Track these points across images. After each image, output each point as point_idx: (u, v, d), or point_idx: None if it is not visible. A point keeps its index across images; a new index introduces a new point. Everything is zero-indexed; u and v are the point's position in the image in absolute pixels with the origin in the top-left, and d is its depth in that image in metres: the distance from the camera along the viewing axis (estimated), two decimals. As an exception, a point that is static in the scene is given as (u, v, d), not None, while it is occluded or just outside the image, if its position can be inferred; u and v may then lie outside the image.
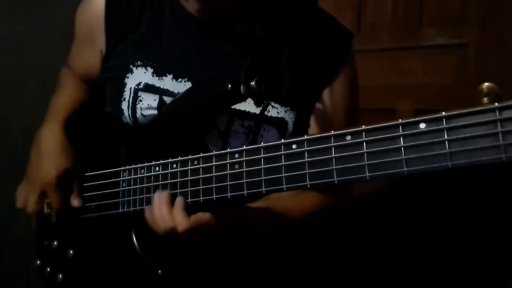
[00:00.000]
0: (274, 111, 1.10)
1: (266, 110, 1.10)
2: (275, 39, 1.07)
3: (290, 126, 1.11)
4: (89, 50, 1.22)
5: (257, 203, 1.05)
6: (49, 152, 1.14)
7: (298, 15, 1.12)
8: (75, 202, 1.14)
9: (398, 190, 1.77)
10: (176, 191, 0.96)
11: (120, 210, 1.08)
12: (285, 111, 1.11)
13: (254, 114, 1.10)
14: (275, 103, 1.10)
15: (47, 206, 1.16)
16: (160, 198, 0.95)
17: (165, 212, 0.93)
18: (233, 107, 1.08)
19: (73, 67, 1.30)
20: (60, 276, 1.19)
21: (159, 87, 1.11)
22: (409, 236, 1.74)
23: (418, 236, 1.72)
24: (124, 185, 1.08)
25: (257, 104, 1.09)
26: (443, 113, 0.62)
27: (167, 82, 1.11)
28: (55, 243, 1.22)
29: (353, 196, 1.23)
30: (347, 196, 1.20)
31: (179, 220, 0.91)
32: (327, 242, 1.68)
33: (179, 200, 0.94)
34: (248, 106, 1.09)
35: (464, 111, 0.62)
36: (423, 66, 1.79)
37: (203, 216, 0.91)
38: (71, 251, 1.18)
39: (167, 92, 1.11)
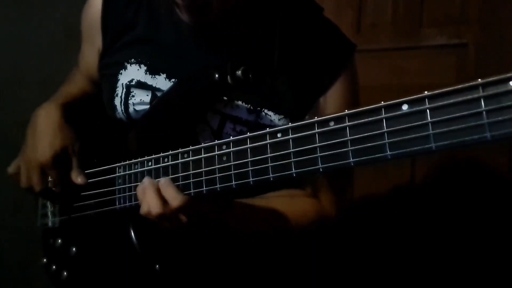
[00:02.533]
0: (268, 118, 1.09)
1: (259, 118, 1.09)
2: (266, 37, 1.08)
3: None
4: (90, 49, 1.24)
5: (247, 201, 1.05)
6: (45, 130, 1.13)
7: (297, 20, 1.12)
8: (79, 179, 1.13)
9: (398, 193, 1.77)
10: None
11: (117, 206, 1.08)
12: (279, 119, 1.10)
13: (247, 120, 1.09)
14: (268, 110, 1.09)
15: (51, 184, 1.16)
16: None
17: (151, 192, 0.92)
18: (225, 112, 1.08)
19: (80, 67, 1.32)
20: (65, 273, 1.19)
21: (151, 85, 1.11)
22: (409, 238, 1.73)
23: (418, 237, 1.72)
24: (119, 181, 1.08)
25: (250, 111, 1.09)
26: (426, 92, 0.62)
27: (160, 81, 1.11)
28: (59, 241, 1.22)
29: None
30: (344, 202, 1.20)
31: (172, 195, 0.90)
32: (327, 243, 1.68)
33: (163, 179, 0.93)
34: (241, 112, 1.09)
35: (447, 89, 0.60)
36: (423, 66, 1.78)
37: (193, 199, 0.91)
38: (74, 249, 1.19)
39: (159, 90, 1.11)
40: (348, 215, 1.67)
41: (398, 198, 1.78)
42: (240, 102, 1.08)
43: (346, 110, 0.70)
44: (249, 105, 1.09)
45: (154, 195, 0.91)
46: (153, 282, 1.04)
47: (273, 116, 1.09)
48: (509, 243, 1.57)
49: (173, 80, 1.10)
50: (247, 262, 1.15)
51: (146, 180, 0.94)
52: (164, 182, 0.92)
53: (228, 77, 0.96)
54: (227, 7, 1.05)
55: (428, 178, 1.69)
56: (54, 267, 1.22)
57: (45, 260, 1.25)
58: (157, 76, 1.11)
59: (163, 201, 0.90)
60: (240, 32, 1.10)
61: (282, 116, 1.10)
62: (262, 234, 1.11)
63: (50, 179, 1.15)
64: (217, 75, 0.96)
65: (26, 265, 1.90)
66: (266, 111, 1.09)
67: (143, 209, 0.92)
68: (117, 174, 1.08)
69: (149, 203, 0.91)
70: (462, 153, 1.63)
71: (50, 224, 1.25)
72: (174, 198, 0.89)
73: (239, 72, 0.95)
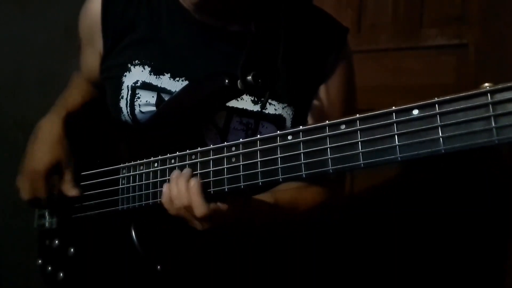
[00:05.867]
0: (272, 108, 1.11)
1: (264, 107, 1.10)
2: (270, 35, 1.08)
3: (288, 123, 1.12)
4: (90, 53, 1.23)
5: (261, 196, 1.05)
6: (44, 142, 1.16)
7: (294, 11, 1.13)
8: (72, 191, 1.16)
9: (397, 190, 1.77)
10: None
11: (120, 207, 1.08)
12: (283, 108, 1.11)
13: (252, 111, 1.10)
14: (272, 100, 1.11)
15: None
16: (178, 174, 0.94)
17: (182, 188, 0.91)
18: (231, 105, 1.08)
19: (81, 70, 1.32)
20: (61, 274, 1.19)
21: (156, 86, 1.12)
22: (408, 236, 1.74)
23: (418, 236, 1.72)
24: (123, 182, 1.08)
25: (255, 102, 1.10)
26: (436, 98, 0.63)
27: (165, 81, 1.11)
28: (56, 242, 1.23)
29: (350, 191, 1.24)
30: (344, 190, 1.21)
31: (197, 203, 0.89)
32: (327, 244, 1.69)
33: (195, 182, 0.91)
34: (246, 104, 1.10)
35: (456, 95, 0.62)
36: (423, 66, 1.78)
37: (221, 205, 0.90)
38: (72, 249, 1.19)
39: (164, 91, 1.11)
40: (347, 213, 1.68)
41: (397, 196, 1.78)
42: (244, 94, 1.09)
43: (357, 114, 0.70)
44: (253, 97, 1.10)
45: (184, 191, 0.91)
46: (155, 283, 1.05)
47: (277, 105, 1.11)
48: (509, 242, 1.59)
49: (177, 79, 1.11)
50: (248, 262, 1.16)
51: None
52: (193, 185, 0.91)
53: (239, 82, 0.97)
54: None
55: (427, 176, 1.69)
56: (49, 268, 1.22)
57: (40, 261, 1.25)
58: (161, 76, 1.11)
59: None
60: (241, 28, 1.11)
61: (285, 105, 1.11)
62: (280, 228, 1.14)
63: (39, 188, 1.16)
64: (227, 80, 0.97)
65: (25, 265, 1.90)
66: (269, 100, 1.10)
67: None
68: (121, 175, 1.09)
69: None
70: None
71: (47, 225, 1.26)
72: (197, 207, 0.89)
73: (249, 78, 0.96)
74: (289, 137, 0.80)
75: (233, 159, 0.88)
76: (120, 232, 1.08)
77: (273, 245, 1.19)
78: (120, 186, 1.09)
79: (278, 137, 0.82)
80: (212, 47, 1.12)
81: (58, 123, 1.18)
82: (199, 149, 0.94)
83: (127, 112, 1.14)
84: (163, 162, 1.00)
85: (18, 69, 1.99)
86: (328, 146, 0.75)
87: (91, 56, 1.23)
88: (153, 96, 1.11)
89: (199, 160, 0.93)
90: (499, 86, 0.58)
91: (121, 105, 1.14)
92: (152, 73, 1.12)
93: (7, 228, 2.01)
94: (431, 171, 1.63)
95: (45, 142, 1.16)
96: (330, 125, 0.75)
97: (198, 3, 1.08)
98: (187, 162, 0.95)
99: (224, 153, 0.89)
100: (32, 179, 1.15)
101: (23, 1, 1.98)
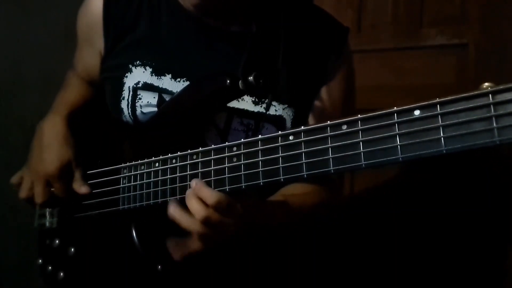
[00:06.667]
0: (272, 109, 1.11)
1: (268, 110, 1.10)
2: (271, 35, 1.08)
3: (289, 124, 1.12)
4: (89, 52, 1.22)
5: (272, 199, 1.05)
6: (51, 143, 1.15)
7: (294, 11, 1.14)
8: (83, 189, 1.15)
9: (397, 190, 1.77)
10: (175, 185, 0.96)
11: (121, 207, 1.08)
12: (283, 109, 1.11)
13: (253, 112, 1.10)
14: (273, 100, 1.11)
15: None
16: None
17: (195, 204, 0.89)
18: (232, 105, 1.08)
19: (77, 69, 1.31)
20: (61, 274, 1.19)
21: (157, 86, 1.11)
22: (409, 236, 1.74)
23: (418, 236, 1.72)
24: (124, 182, 1.08)
25: (255, 103, 1.10)
26: (437, 99, 0.63)
27: (166, 82, 1.11)
28: (56, 241, 1.22)
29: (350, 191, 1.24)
30: (343, 189, 1.21)
31: (206, 194, 0.87)
32: (327, 244, 1.69)
33: (197, 180, 0.91)
34: (247, 104, 1.10)
35: (458, 96, 0.62)
36: (423, 66, 1.78)
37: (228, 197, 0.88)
38: (72, 249, 1.18)
39: (166, 91, 1.11)
40: (347, 213, 1.68)
41: (397, 196, 1.78)
42: (245, 95, 1.09)
43: (359, 115, 0.71)
44: (254, 97, 1.10)
45: (195, 201, 0.89)
46: (155, 283, 1.05)
47: (278, 106, 1.11)
48: (509, 242, 1.59)
49: (178, 79, 1.11)
50: (248, 262, 1.16)
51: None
52: (196, 184, 0.90)
53: (240, 82, 0.97)
54: None
55: (427, 176, 1.69)
56: (50, 267, 1.22)
57: (40, 260, 1.25)
58: (162, 77, 1.11)
59: (202, 202, 0.88)
60: (242, 28, 1.12)
61: (286, 106, 1.12)
62: (290, 228, 1.14)
63: (53, 189, 1.16)
64: (228, 80, 0.97)
65: (25, 265, 1.90)
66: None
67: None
68: (122, 175, 1.09)
69: (193, 210, 0.89)
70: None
71: (47, 224, 1.25)
72: (210, 196, 0.87)
73: (251, 78, 0.96)
74: (291, 137, 0.80)
75: (235, 159, 0.88)
76: (121, 232, 1.08)
77: (274, 245, 1.19)
78: (121, 186, 1.09)
79: (280, 137, 0.82)
80: (213, 47, 1.12)
81: (62, 123, 1.17)
82: (200, 149, 0.94)
83: (128, 113, 1.14)
84: (164, 162, 1.00)
85: (18, 69, 1.98)
86: (330, 146, 0.75)
87: (90, 55, 1.22)
88: (154, 97, 1.11)
89: (200, 160, 0.93)
90: (501, 87, 0.59)
91: (122, 106, 1.14)
92: (153, 74, 1.12)
93: (7, 228, 2.00)
94: (431, 171, 1.63)
95: (52, 143, 1.15)
96: (331, 125, 0.75)
97: (198, 4, 1.08)
98: (188, 162, 0.95)
99: (225, 153, 0.90)
100: (44, 181, 1.14)
101: (23, 1, 1.98)
